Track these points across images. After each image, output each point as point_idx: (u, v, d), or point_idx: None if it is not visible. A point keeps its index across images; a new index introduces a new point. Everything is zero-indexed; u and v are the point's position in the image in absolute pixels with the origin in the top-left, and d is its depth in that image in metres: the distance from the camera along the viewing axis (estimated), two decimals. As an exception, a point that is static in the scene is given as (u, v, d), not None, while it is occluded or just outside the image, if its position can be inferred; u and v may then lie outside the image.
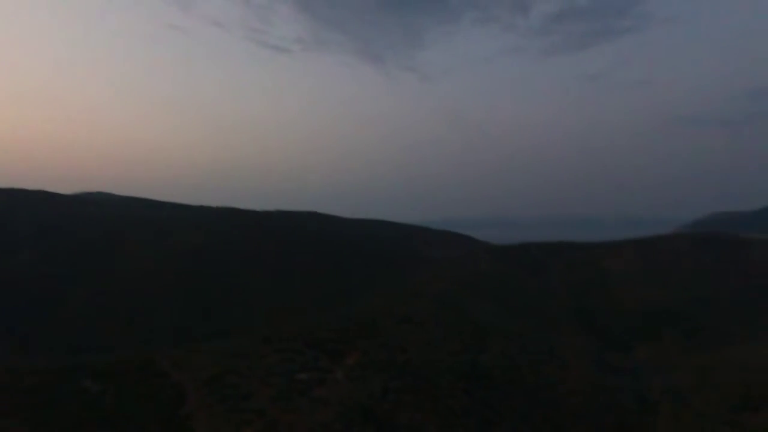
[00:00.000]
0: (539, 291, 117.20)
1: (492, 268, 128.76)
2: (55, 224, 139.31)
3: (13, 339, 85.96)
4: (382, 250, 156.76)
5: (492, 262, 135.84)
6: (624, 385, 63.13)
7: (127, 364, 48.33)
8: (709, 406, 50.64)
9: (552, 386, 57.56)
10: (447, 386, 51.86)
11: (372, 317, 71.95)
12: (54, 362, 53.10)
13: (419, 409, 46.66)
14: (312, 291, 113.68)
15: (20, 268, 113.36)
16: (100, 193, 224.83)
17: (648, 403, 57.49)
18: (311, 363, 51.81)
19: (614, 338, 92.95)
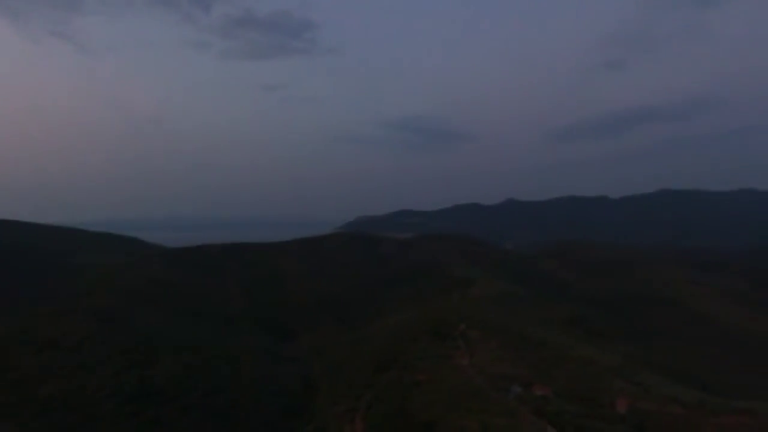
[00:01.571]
0: (217, 293, 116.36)
1: (165, 273, 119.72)
2: None
3: None
4: (13, 257, 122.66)
5: (165, 267, 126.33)
6: (291, 371, 69.96)
7: None
8: (356, 373, 61.76)
9: (226, 387, 58.19)
10: (108, 414, 45.15)
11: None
12: None
13: (70, 450, 38.93)
14: None
15: None
16: None
17: (310, 383, 65.58)
18: None
19: (285, 330, 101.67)
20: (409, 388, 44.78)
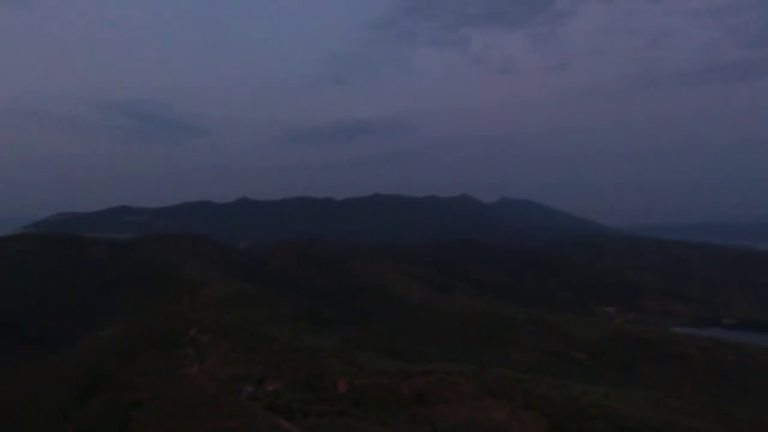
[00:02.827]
0: None
1: None
2: None
3: None
4: None
5: None
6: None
7: None
8: (52, 405, 50.69)
9: None
10: None
11: None
12: None
13: None
14: None
15: None
16: None
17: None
18: None
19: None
20: (126, 411, 39.58)
